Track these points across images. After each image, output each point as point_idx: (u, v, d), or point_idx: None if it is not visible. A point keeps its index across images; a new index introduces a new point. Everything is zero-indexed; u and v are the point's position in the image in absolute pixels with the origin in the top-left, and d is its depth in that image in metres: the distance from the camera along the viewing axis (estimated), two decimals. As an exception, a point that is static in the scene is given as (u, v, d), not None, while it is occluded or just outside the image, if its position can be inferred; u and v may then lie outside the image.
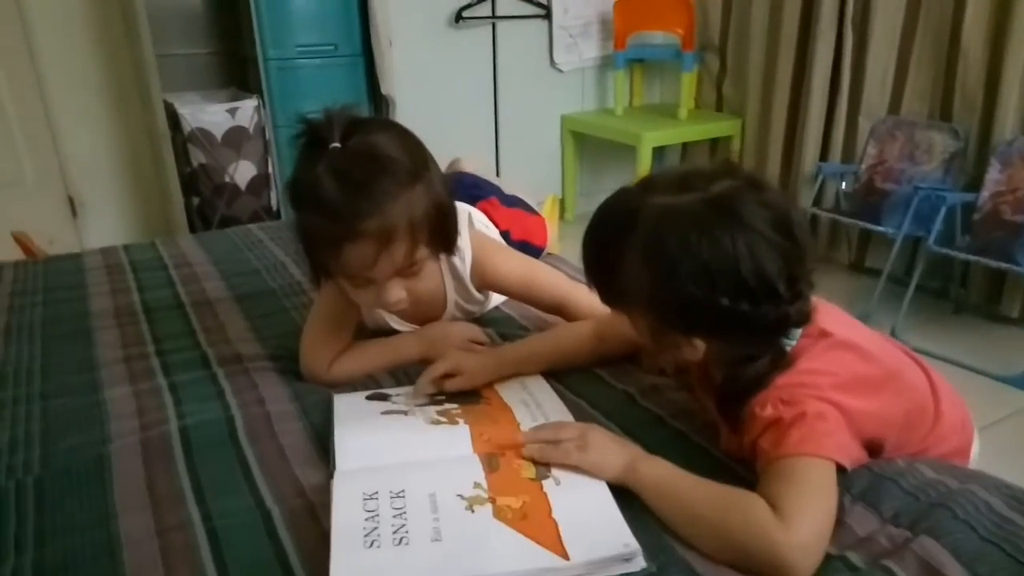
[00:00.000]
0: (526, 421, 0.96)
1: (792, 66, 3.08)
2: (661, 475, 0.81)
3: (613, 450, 0.84)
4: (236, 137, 2.70)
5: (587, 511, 0.78)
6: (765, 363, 0.80)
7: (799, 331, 0.82)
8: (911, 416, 0.89)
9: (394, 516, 0.77)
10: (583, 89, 3.66)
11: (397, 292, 1.01)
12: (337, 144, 0.95)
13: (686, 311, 0.77)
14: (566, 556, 0.72)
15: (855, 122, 2.92)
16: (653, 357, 1.06)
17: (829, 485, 0.75)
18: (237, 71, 2.98)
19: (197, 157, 2.68)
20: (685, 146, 3.68)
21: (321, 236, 0.97)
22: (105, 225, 2.87)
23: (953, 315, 2.69)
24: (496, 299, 1.33)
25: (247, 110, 2.71)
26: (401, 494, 0.80)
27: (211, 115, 2.66)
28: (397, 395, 1.05)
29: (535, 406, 1.00)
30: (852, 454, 0.80)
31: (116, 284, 1.55)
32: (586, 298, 1.11)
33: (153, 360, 1.20)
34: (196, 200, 2.75)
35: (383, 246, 0.95)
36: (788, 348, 0.81)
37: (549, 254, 1.60)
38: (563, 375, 1.09)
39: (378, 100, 3.00)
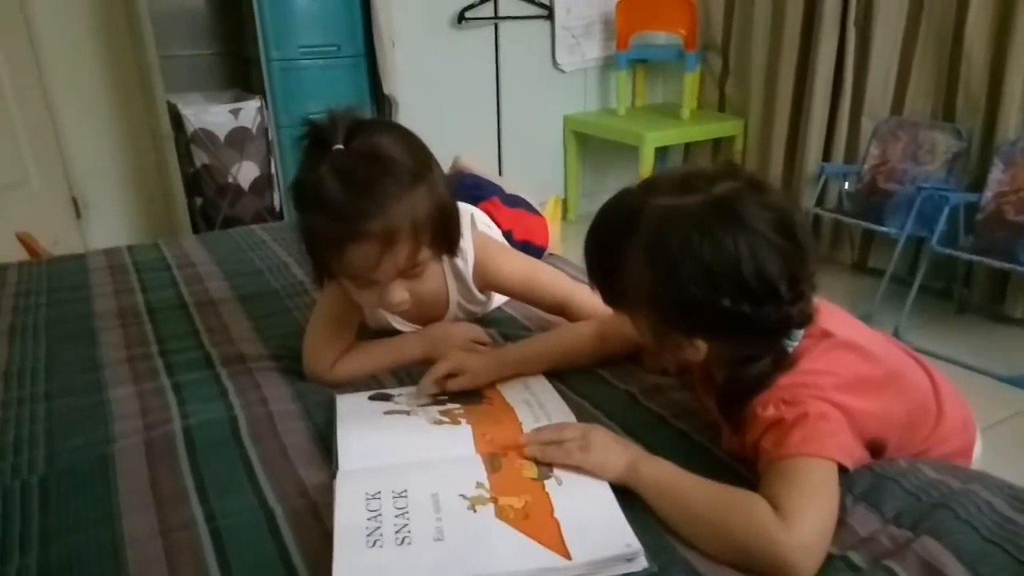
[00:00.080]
0: (528, 421, 0.96)
1: (795, 66, 3.08)
2: (663, 475, 0.81)
3: (615, 450, 0.85)
4: (239, 138, 2.70)
5: (589, 511, 0.78)
6: (767, 363, 0.80)
7: (801, 332, 0.82)
8: (913, 416, 0.89)
9: (396, 516, 0.77)
10: (585, 89, 3.66)
11: (400, 293, 1.02)
12: (341, 145, 0.95)
13: (688, 312, 0.78)
14: (568, 556, 0.72)
15: (858, 122, 2.92)
16: (655, 357, 1.06)
17: (831, 485, 0.76)
18: (240, 72, 2.99)
19: (200, 158, 2.69)
20: (688, 146, 3.68)
21: (324, 237, 0.97)
22: (109, 226, 2.88)
23: (956, 315, 2.69)
24: (498, 299, 1.33)
25: (250, 111, 2.72)
26: (404, 494, 0.80)
27: (214, 116, 2.67)
28: (399, 395, 1.06)
29: (537, 406, 1.00)
30: (854, 454, 0.80)
31: (120, 285, 1.55)
32: (588, 298, 1.11)
33: (157, 360, 1.20)
34: (199, 201, 2.76)
35: (386, 247, 0.95)
36: (790, 349, 0.81)
37: (551, 254, 1.60)
38: (565, 375, 1.09)
39: (380, 101, 3.00)
